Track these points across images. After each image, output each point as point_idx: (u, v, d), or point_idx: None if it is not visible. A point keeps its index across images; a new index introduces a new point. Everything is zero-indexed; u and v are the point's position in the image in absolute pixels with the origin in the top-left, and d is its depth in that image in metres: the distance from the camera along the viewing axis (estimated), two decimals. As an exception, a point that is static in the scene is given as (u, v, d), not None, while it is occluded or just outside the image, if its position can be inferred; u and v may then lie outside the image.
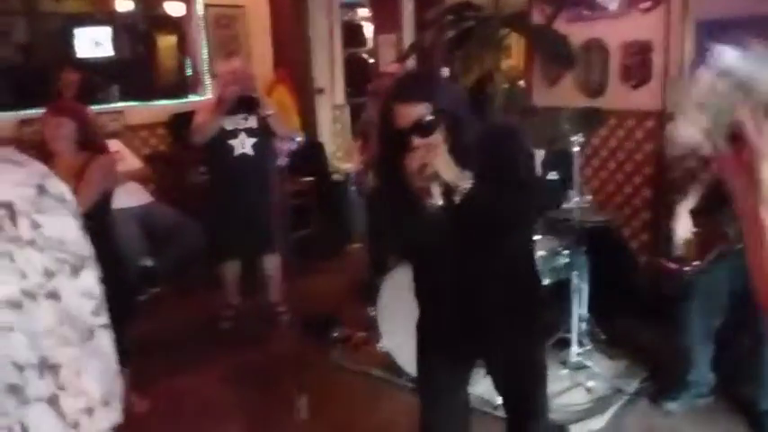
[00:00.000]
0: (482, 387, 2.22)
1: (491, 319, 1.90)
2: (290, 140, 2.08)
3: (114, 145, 4.11)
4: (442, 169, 1.67)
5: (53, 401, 0.90)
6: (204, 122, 3.76)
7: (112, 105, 5.14)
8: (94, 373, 0.95)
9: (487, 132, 1.80)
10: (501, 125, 1.88)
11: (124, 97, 5.58)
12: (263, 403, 3.19)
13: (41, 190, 0.90)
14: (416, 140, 1.69)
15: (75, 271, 0.92)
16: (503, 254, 1.86)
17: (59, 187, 0.93)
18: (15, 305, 0.86)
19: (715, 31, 3.62)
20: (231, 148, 3.79)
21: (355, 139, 4.41)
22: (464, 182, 1.69)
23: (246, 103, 3.74)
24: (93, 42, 5.90)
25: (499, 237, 1.82)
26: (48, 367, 0.90)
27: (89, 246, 0.95)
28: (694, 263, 2.83)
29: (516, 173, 1.78)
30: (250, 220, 3.79)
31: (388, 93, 1.82)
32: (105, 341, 0.97)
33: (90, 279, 0.95)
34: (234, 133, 3.79)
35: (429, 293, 2.01)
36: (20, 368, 0.87)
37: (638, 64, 3.97)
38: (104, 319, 0.97)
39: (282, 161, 2.06)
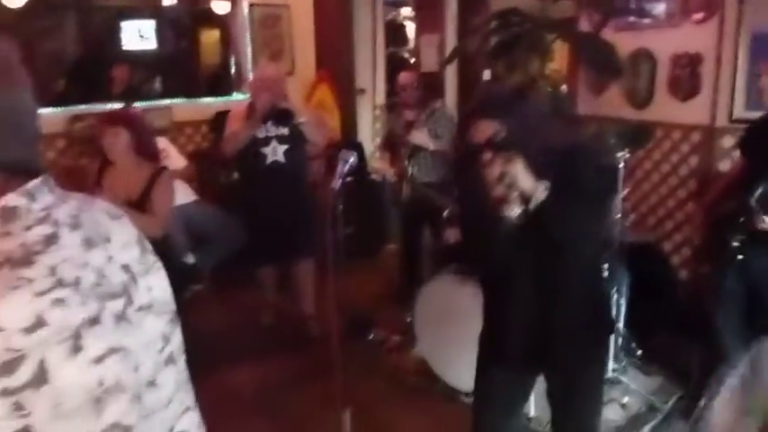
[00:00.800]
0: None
1: (559, 334, 1.92)
2: (342, 162, 2.07)
3: (161, 143, 4.19)
4: (520, 177, 1.71)
5: None
6: (236, 133, 3.72)
7: (160, 102, 5.23)
8: None
9: (566, 147, 1.84)
10: (580, 142, 1.94)
11: (168, 92, 5.67)
12: (301, 406, 3.21)
13: (142, 247, 0.84)
14: (488, 155, 1.74)
15: (178, 328, 0.87)
16: (575, 267, 1.89)
17: (146, 240, 0.87)
18: (152, 384, 0.80)
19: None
20: (263, 156, 3.76)
21: (382, 150, 4.40)
22: (540, 192, 1.72)
23: (278, 115, 3.69)
24: (138, 35, 6.02)
25: (572, 249, 1.85)
26: None
27: None
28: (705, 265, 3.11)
29: (593, 189, 1.81)
30: (282, 228, 3.73)
31: (469, 106, 1.87)
32: None
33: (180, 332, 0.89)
34: (266, 141, 3.75)
35: (499, 305, 2.02)
36: None
37: (687, 76, 3.90)
38: None
39: (336, 184, 2.05)
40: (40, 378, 0.63)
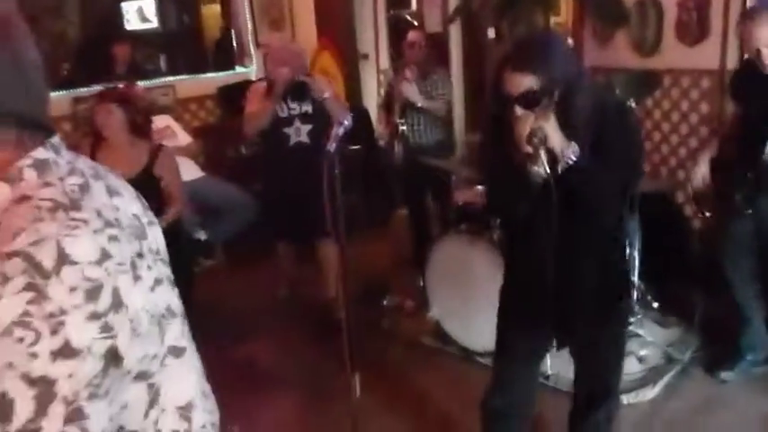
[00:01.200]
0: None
1: (581, 294, 1.89)
2: (337, 125, 2.02)
3: (165, 120, 4.18)
4: (551, 136, 1.66)
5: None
6: (257, 112, 3.55)
7: (163, 80, 5.21)
8: None
9: (600, 108, 1.77)
10: (615, 102, 1.87)
11: (172, 70, 5.65)
12: (317, 373, 3.23)
13: (143, 203, 0.91)
14: (520, 110, 1.68)
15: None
16: (599, 230, 1.85)
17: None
18: (183, 317, 0.89)
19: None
20: (286, 137, 3.57)
21: (381, 110, 4.34)
22: (570, 152, 1.68)
23: (298, 89, 3.52)
24: (139, 15, 5.97)
25: (598, 213, 1.81)
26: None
27: None
28: (706, 213, 3.09)
29: (623, 152, 1.76)
30: (304, 210, 3.50)
31: (502, 57, 1.79)
32: None
33: None
34: (288, 121, 3.56)
35: (522, 262, 2.00)
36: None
37: (695, 20, 3.79)
38: None
39: (331, 146, 2.01)
40: (118, 303, 0.72)
